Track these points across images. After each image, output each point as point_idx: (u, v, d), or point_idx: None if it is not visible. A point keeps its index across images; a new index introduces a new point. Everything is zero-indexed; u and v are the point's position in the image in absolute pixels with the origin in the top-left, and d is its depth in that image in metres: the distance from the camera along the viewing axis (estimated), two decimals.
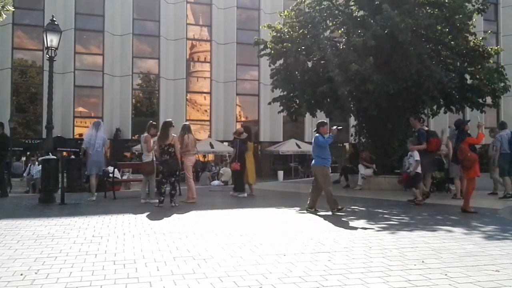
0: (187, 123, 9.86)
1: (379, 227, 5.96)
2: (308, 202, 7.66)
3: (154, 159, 9.22)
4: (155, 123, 9.73)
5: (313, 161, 7.75)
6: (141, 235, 5.30)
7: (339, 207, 7.35)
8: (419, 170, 8.79)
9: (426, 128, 9.68)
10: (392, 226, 6.09)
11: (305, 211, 7.56)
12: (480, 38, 13.80)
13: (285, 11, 14.87)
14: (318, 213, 7.33)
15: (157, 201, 8.47)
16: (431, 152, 9.12)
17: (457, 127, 8.17)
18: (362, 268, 3.75)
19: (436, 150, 9.32)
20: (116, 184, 11.58)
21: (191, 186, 9.10)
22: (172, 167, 8.34)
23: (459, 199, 9.63)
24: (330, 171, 7.85)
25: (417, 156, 8.80)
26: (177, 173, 8.57)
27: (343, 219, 6.83)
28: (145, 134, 9.29)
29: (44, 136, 18.07)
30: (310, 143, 33.02)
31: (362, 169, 12.77)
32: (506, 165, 9.92)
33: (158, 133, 8.69)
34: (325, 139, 7.51)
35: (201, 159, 30.59)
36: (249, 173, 10.75)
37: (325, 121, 7.95)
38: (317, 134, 7.67)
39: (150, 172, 9.15)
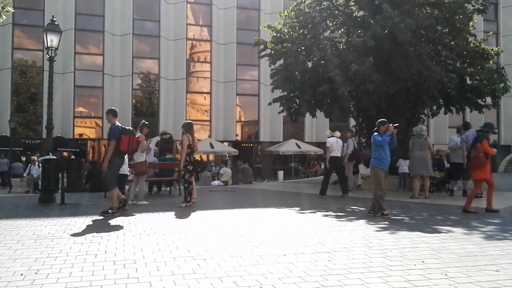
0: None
1: (379, 227, 5.96)
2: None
3: (147, 159, 9.22)
4: (147, 122, 9.43)
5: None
6: (141, 235, 5.29)
7: (385, 212, 7.06)
8: (126, 171, 8.71)
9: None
10: (392, 226, 6.09)
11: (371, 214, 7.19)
12: (481, 39, 13.81)
13: (285, 11, 14.88)
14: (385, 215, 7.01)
15: (146, 202, 8.75)
16: (123, 152, 7.41)
17: (487, 129, 8.08)
18: (362, 268, 3.74)
19: (130, 150, 7.55)
20: None
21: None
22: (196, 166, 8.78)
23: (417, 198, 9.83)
24: (385, 174, 7.40)
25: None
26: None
27: (343, 219, 6.83)
28: (138, 134, 8.94)
29: (44, 136, 18.07)
30: (310, 143, 32.82)
31: (362, 169, 12.76)
32: None
33: (189, 135, 8.49)
34: (381, 138, 7.23)
35: (204, 159, 30.55)
36: None
37: (386, 119, 7.56)
38: (375, 133, 7.41)
39: (144, 172, 9.08)
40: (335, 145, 10.51)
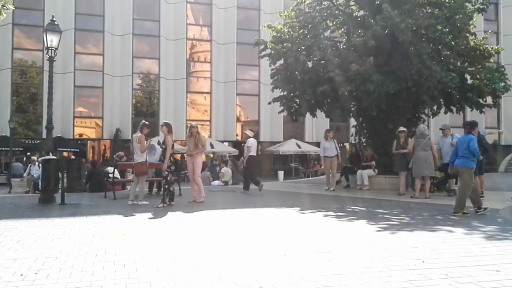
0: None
1: (379, 227, 5.95)
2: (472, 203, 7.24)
3: (148, 159, 9.24)
4: (148, 122, 9.38)
5: (459, 160, 7.34)
6: (141, 235, 5.29)
7: (466, 211, 7.06)
8: None
9: None
10: (393, 226, 6.09)
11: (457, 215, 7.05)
12: (481, 38, 13.79)
13: (285, 11, 14.86)
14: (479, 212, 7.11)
15: (146, 202, 8.75)
16: None
17: None
18: (363, 268, 3.74)
19: None
20: (116, 184, 11.58)
21: (201, 185, 9.26)
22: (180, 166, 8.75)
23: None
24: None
25: None
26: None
27: (343, 219, 6.83)
28: (139, 134, 9.00)
29: (44, 136, 18.07)
30: (310, 143, 32.68)
31: (367, 171, 12.71)
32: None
33: (171, 135, 8.59)
34: (478, 151, 7.12)
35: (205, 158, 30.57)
36: None
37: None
38: (472, 136, 7.25)
39: (144, 173, 9.07)
40: (255, 145, 11.86)
